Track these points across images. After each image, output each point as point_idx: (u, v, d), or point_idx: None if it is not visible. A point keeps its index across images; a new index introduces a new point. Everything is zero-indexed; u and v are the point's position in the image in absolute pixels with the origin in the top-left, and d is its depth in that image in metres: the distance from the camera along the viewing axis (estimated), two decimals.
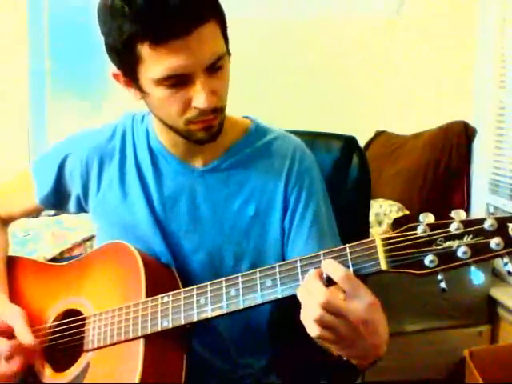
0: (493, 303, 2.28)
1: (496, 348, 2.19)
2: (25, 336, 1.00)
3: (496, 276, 2.31)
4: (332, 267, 0.76)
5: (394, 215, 2.21)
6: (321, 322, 0.73)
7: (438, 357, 2.19)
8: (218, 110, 0.94)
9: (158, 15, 0.83)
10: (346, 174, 1.25)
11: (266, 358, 1.13)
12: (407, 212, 2.24)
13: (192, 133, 0.96)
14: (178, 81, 0.89)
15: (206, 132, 0.95)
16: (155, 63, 0.87)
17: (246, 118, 1.12)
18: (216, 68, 0.90)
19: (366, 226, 1.33)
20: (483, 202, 2.49)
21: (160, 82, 0.89)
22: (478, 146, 2.52)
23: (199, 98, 0.89)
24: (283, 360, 1.16)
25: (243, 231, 1.04)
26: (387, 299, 2.11)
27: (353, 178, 1.26)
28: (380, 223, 2.23)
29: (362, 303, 0.74)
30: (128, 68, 0.92)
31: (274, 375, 1.14)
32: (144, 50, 0.86)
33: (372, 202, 2.01)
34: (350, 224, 1.26)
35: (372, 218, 2.21)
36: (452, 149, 2.48)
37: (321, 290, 0.74)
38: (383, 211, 2.25)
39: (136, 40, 0.86)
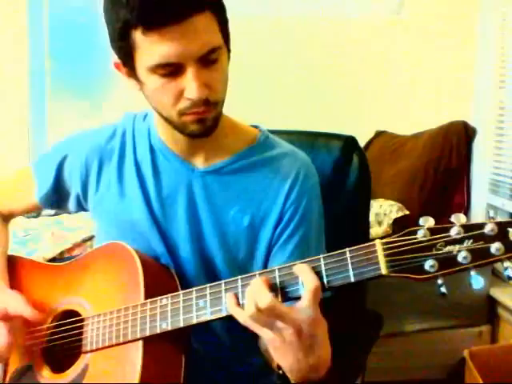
0: (493, 303, 2.28)
1: (496, 348, 2.19)
2: (28, 312, 1.01)
3: (496, 276, 2.31)
4: (306, 276, 0.77)
5: (394, 215, 2.21)
6: (255, 320, 0.77)
7: (438, 357, 2.19)
8: (210, 103, 0.93)
9: (152, 2, 0.84)
10: (346, 174, 1.26)
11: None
12: (407, 212, 2.24)
13: (185, 125, 0.96)
14: (170, 70, 0.89)
15: (199, 124, 0.95)
16: (148, 50, 0.88)
17: (256, 127, 1.11)
18: (210, 60, 0.90)
19: (366, 226, 1.33)
20: (483, 202, 2.49)
21: (153, 70, 0.90)
22: (477, 146, 2.52)
23: (190, 88, 0.89)
24: None
25: (234, 240, 1.03)
26: (387, 299, 2.13)
27: (353, 178, 1.26)
28: (380, 223, 2.23)
29: (307, 315, 0.76)
30: (125, 56, 0.93)
31: (273, 375, 1.14)
32: (137, 36, 0.87)
33: (372, 201, 2.01)
34: (350, 224, 1.26)
35: (372, 217, 2.21)
36: (452, 149, 2.48)
37: (266, 297, 0.76)
38: (383, 211, 2.25)
39: (130, 26, 0.87)
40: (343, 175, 1.26)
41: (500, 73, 2.46)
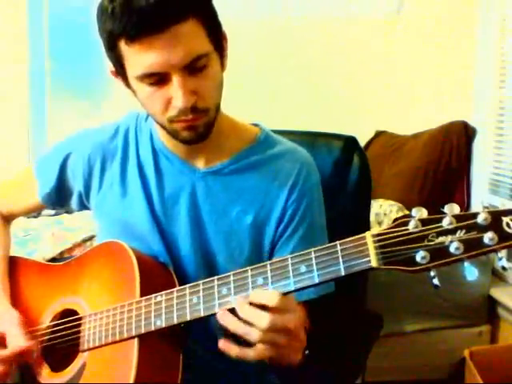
0: (493, 303, 2.28)
1: (496, 348, 2.19)
2: (18, 341, 1.01)
3: (496, 276, 2.31)
4: (265, 296, 0.79)
5: (394, 215, 2.21)
6: (268, 343, 0.79)
7: (438, 357, 2.18)
8: (199, 111, 0.92)
9: (133, 12, 0.84)
10: (346, 174, 1.25)
11: None
12: (407, 212, 2.21)
13: (177, 132, 0.96)
14: (157, 79, 0.90)
15: (189, 131, 0.95)
16: (133, 60, 0.89)
17: (256, 125, 1.11)
18: (196, 68, 0.90)
19: (366, 226, 1.33)
20: (483, 202, 2.49)
21: (141, 79, 0.90)
22: (478, 146, 2.52)
23: (176, 97, 0.89)
24: None
25: (238, 239, 1.03)
26: (387, 299, 2.13)
27: (353, 179, 1.26)
28: (380, 223, 2.22)
29: (294, 314, 0.80)
30: (117, 65, 0.94)
31: (273, 375, 1.14)
32: (122, 46, 0.88)
33: (372, 201, 2.01)
34: (351, 224, 1.26)
35: (372, 217, 2.21)
36: (452, 149, 2.48)
37: (261, 316, 0.78)
38: (383, 211, 2.25)
39: (115, 37, 0.88)
40: (344, 175, 1.26)
41: (500, 73, 2.46)
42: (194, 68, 0.89)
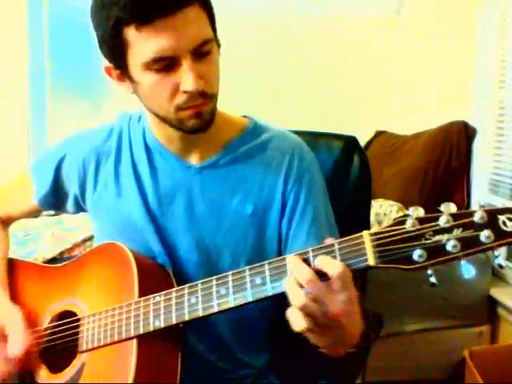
0: (493, 303, 2.28)
1: (496, 348, 2.19)
2: (15, 346, 1.01)
3: (496, 276, 2.31)
4: (329, 263, 0.75)
5: (394, 215, 2.21)
6: (304, 309, 0.73)
7: (438, 357, 2.19)
8: (207, 96, 0.93)
9: None
10: (346, 174, 1.25)
11: (265, 357, 1.13)
12: (407, 212, 2.23)
13: (183, 121, 0.96)
14: (165, 64, 0.90)
15: (196, 119, 0.95)
16: (142, 46, 0.89)
17: (244, 117, 1.12)
18: (203, 52, 0.91)
19: (366, 226, 1.33)
20: (483, 202, 2.49)
21: (148, 66, 0.90)
22: (478, 146, 2.52)
23: (186, 80, 0.90)
24: (282, 360, 1.16)
25: (241, 230, 1.04)
26: (387, 299, 2.12)
27: (353, 179, 1.26)
28: (380, 223, 2.22)
29: (345, 296, 0.74)
30: (118, 57, 0.93)
31: (273, 375, 1.14)
32: (130, 32, 0.88)
33: (372, 201, 2.01)
34: (351, 224, 1.26)
35: (372, 217, 2.21)
36: (452, 149, 2.48)
37: (305, 268, 0.74)
38: (383, 211, 2.25)
39: (122, 24, 0.88)
40: (344, 175, 1.26)
41: (500, 73, 2.46)
42: (200, 53, 0.91)
